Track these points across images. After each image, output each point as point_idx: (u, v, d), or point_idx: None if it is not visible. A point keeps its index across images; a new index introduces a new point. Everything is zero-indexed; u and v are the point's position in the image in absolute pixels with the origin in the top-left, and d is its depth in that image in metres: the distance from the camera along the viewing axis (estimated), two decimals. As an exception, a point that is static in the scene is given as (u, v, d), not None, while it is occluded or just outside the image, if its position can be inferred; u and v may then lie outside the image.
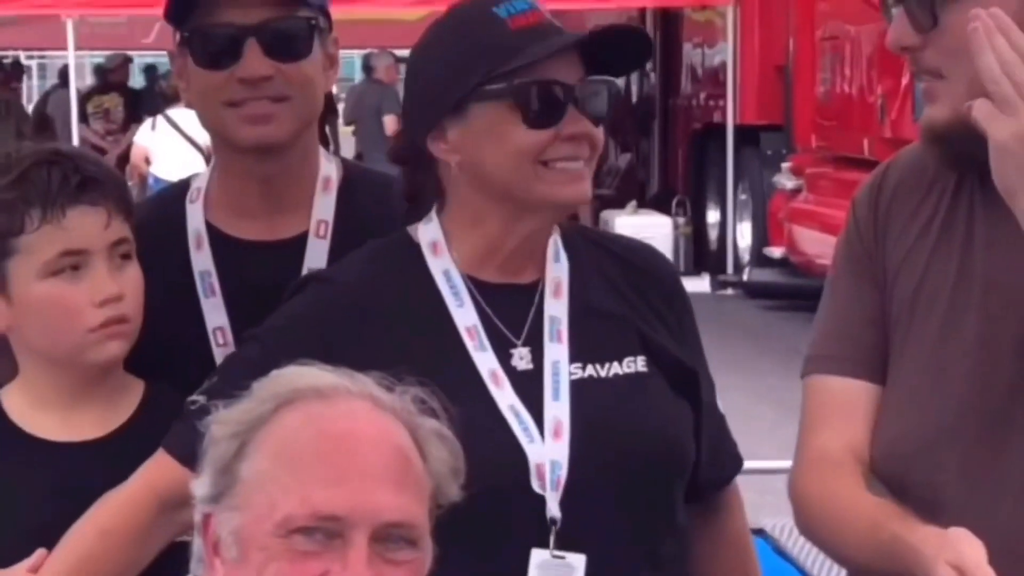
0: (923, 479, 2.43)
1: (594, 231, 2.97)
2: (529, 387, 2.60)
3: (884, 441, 2.47)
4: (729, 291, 16.95)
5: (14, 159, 2.73)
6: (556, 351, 2.63)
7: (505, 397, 2.58)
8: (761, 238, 16.54)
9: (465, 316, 2.63)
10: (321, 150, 2.99)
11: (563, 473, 2.56)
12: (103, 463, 2.64)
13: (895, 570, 2.31)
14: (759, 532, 4.42)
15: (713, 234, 18.32)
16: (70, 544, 2.59)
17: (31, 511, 2.68)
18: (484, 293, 2.65)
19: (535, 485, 2.55)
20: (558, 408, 2.59)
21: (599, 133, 2.64)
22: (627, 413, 2.64)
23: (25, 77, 29.61)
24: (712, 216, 18.37)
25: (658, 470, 2.65)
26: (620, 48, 2.68)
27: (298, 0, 2.83)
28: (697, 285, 17.31)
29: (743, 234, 17.37)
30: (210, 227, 2.93)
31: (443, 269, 2.65)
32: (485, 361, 2.61)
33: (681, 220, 18.37)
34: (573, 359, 2.64)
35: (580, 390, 2.62)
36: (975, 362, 2.40)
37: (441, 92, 2.63)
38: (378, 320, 2.63)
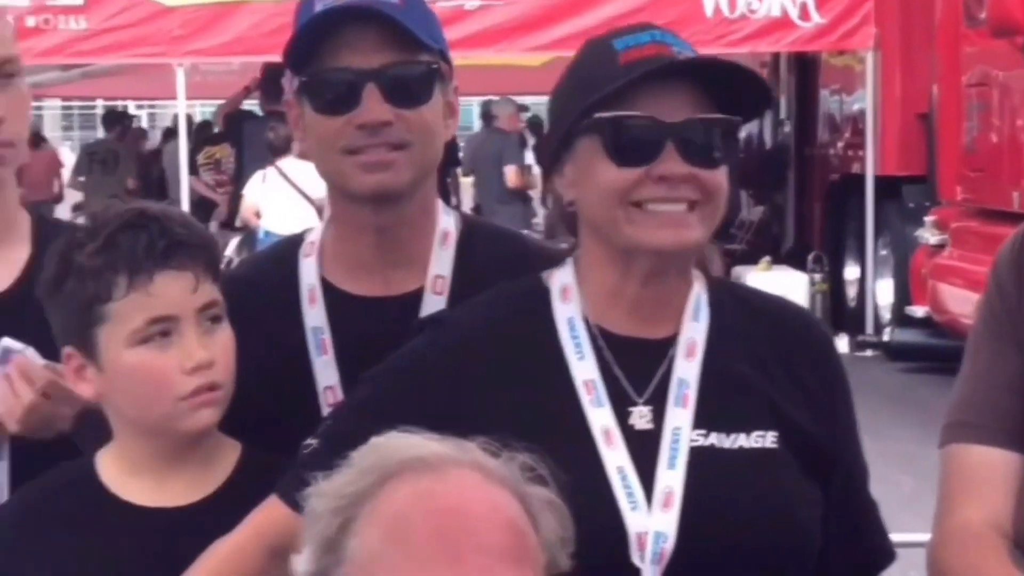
0: None
1: (745, 288, 2.92)
2: (644, 449, 2.57)
3: None
4: (868, 352, 16.78)
5: (100, 222, 2.75)
6: (679, 416, 2.60)
7: (615, 458, 2.56)
8: (903, 296, 16.38)
9: (584, 369, 2.62)
10: (440, 203, 3.00)
11: (668, 546, 2.52)
12: (195, 529, 2.66)
13: None
14: None
15: (851, 291, 18.17)
16: None
17: None
18: (611, 344, 2.63)
19: (634, 557, 2.51)
20: (672, 477, 2.56)
21: (708, 176, 2.58)
22: (747, 489, 2.59)
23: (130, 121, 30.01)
24: (850, 272, 18.23)
25: (774, 555, 2.60)
26: (736, 88, 2.62)
27: (419, 45, 2.84)
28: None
29: (883, 292, 17.21)
30: (324, 282, 2.94)
31: (568, 317, 2.65)
32: (599, 417, 2.59)
33: (817, 277, 18.25)
34: (697, 425, 2.61)
35: (699, 459, 2.58)
36: None
37: (555, 127, 2.66)
38: (492, 367, 2.63)
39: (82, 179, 23.40)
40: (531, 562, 2.11)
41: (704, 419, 2.61)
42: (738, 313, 2.72)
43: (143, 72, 23.37)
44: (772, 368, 2.68)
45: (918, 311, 15.60)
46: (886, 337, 16.34)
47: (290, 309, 2.94)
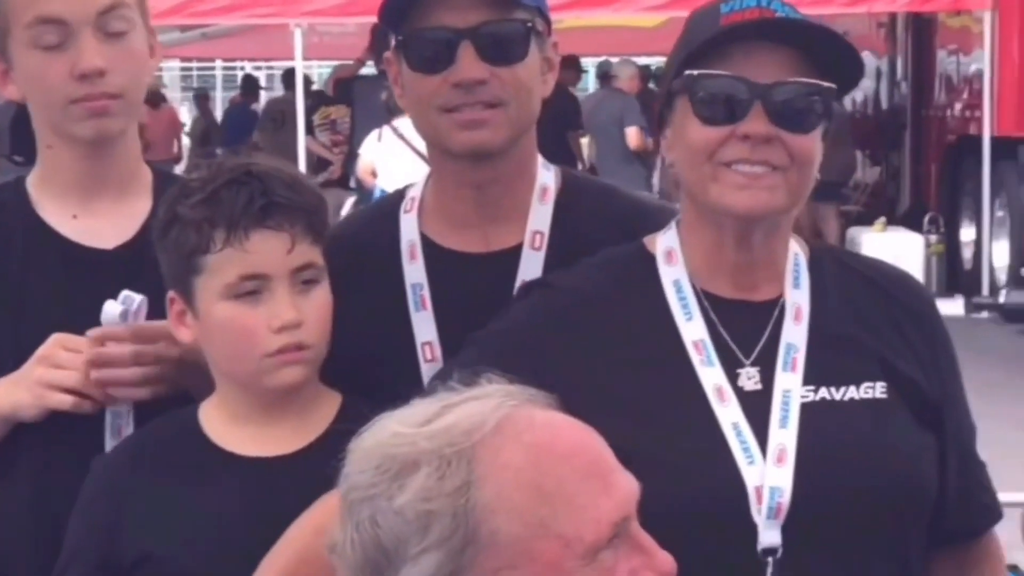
0: None
1: (847, 253, 2.91)
2: (755, 409, 2.57)
3: None
4: (984, 314, 16.63)
5: (209, 176, 2.79)
6: (789, 380, 2.60)
7: (729, 415, 2.56)
8: (1019, 258, 16.23)
9: (693, 330, 2.62)
10: (540, 158, 3.00)
11: (784, 500, 2.51)
12: (295, 478, 2.68)
13: None
14: (1013, 568, 4.32)
15: (967, 253, 17.99)
16: (287, 544, 2.63)
17: (224, 526, 2.74)
18: (716, 307, 2.63)
19: (754, 512, 2.51)
20: (785, 435, 2.55)
21: (795, 140, 2.57)
22: (861, 440, 2.58)
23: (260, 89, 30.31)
24: (966, 234, 18.05)
25: (891, 505, 2.59)
26: (836, 57, 2.61)
27: (514, 3, 2.84)
28: (950, 308, 17.03)
29: (1000, 253, 17.02)
30: (424, 238, 2.96)
31: (674, 279, 2.65)
32: (711, 376, 2.59)
33: (933, 238, 18.09)
34: (806, 382, 2.60)
35: (810, 413, 2.57)
36: None
37: (661, 88, 2.68)
38: (601, 330, 2.63)
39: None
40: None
41: (813, 377, 2.61)
42: (841, 277, 2.72)
43: (260, 32, 23.51)
44: (878, 326, 2.68)
45: (1035, 273, 15.47)
46: (1002, 299, 16.18)
47: (391, 264, 2.95)
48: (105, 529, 2.79)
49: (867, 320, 2.68)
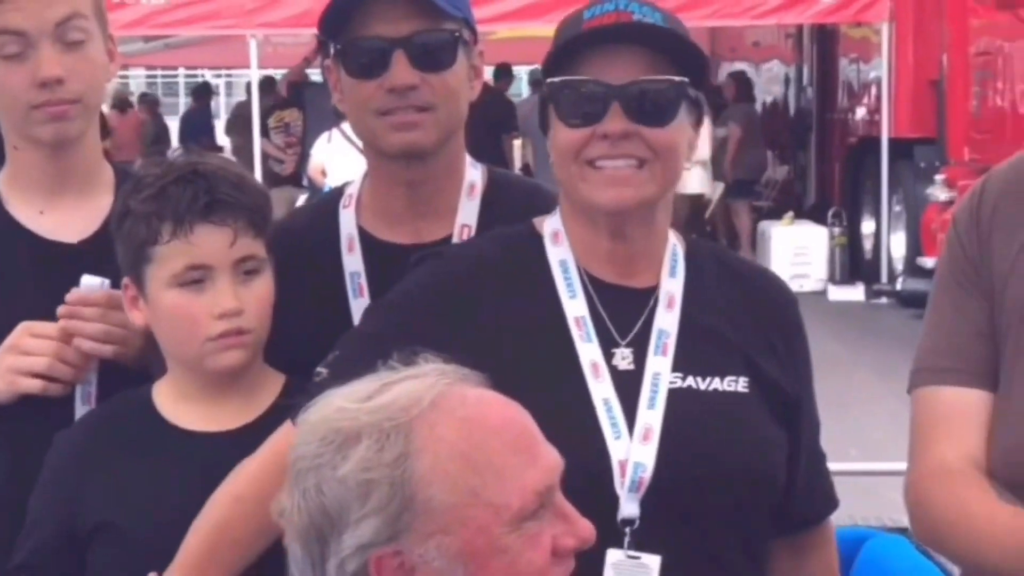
0: None
1: (724, 251, 2.90)
2: (626, 387, 2.56)
3: (1002, 448, 2.42)
4: (883, 300, 16.76)
5: (159, 172, 2.78)
6: (659, 363, 2.58)
7: (601, 391, 2.55)
8: (914, 248, 16.30)
9: (576, 307, 2.60)
10: (467, 158, 3.00)
11: (646, 476, 2.51)
12: (241, 451, 2.67)
13: None
14: (903, 531, 4.33)
15: (868, 244, 18.12)
16: (208, 512, 2.64)
17: (174, 497, 2.73)
18: (598, 289, 2.62)
19: (617, 485, 2.50)
20: (651, 416, 2.54)
21: (654, 134, 2.54)
22: (720, 428, 2.58)
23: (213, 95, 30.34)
24: (867, 227, 18.16)
25: (742, 489, 2.59)
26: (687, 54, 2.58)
27: (443, 14, 2.84)
28: (851, 294, 17.18)
29: (897, 244, 17.15)
30: (361, 231, 2.96)
31: (560, 259, 2.63)
32: (588, 352, 2.57)
33: (836, 231, 18.19)
34: (675, 369, 2.59)
35: (677, 399, 2.57)
36: None
37: (540, 97, 2.67)
38: (490, 297, 2.62)
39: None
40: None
41: (682, 364, 2.59)
42: (715, 272, 2.70)
43: (219, 43, 23.39)
44: (743, 322, 2.67)
45: (928, 262, 15.47)
46: (899, 286, 16.27)
47: (330, 255, 2.95)
48: (65, 500, 2.79)
49: (735, 317, 2.66)
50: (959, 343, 2.48)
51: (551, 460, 2.16)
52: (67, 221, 3.05)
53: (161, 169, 2.80)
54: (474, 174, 2.99)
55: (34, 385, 2.87)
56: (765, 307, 2.71)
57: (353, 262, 2.94)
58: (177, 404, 2.84)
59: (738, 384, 2.60)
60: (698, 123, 2.61)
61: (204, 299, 2.70)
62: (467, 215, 2.94)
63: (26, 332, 2.90)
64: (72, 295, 2.90)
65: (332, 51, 2.90)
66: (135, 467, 2.80)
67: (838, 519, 3.66)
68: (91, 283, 2.92)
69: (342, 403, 2.18)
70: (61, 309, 2.90)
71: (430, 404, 2.13)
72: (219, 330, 2.72)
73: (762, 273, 2.85)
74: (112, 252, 2.88)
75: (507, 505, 2.09)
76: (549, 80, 2.56)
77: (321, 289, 2.92)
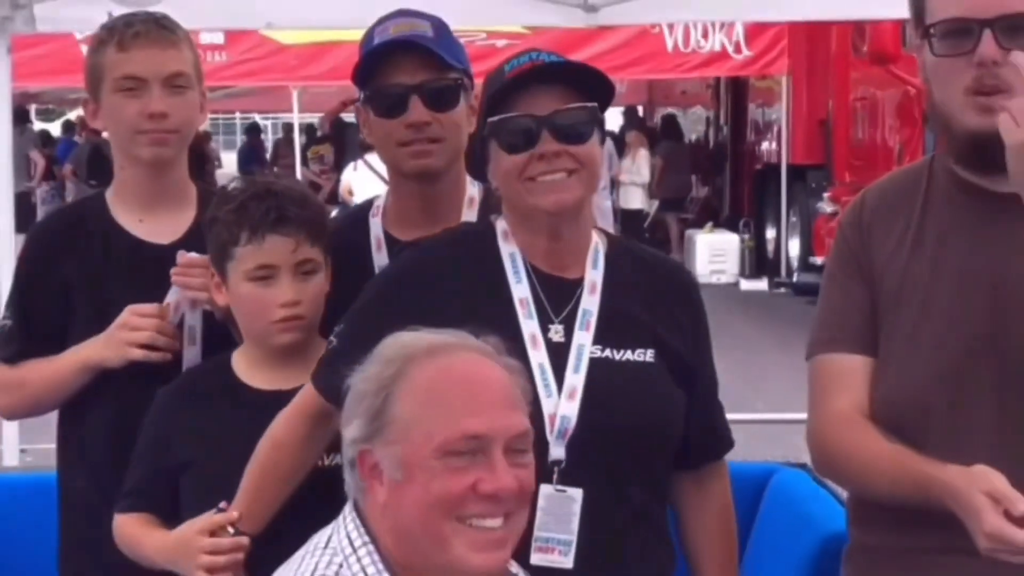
0: (913, 423, 2.37)
1: (638, 246, 2.82)
2: (557, 356, 2.52)
3: (880, 400, 2.41)
4: (782, 290, 16.71)
5: (241, 190, 2.79)
6: (583, 337, 2.54)
7: (537, 357, 2.50)
8: (807, 250, 16.29)
9: (520, 290, 2.55)
10: (467, 177, 2.95)
11: (570, 427, 2.47)
12: None
13: (926, 503, 2.24)
14: (802, 466, 4.32)
15: (771, 247, 18.07)
16: (255, 459, 2.64)
17: (242, 441, 2.71)
18: (538, 277, 2.57)
19: (548, 432, 2.45)
20: (576, 378, 2.50)
21: (579, 150, 2.48)
22: (630, 390, 2.53)
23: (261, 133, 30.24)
24: (770, 233, 18.12)
25: (647, 438, 2.55)
26: (597, 84, 2.53)
27: (448, 66, 2.83)
28: (758, 285, 17.17)
29: (793, 247, 17.12)
30: (386, 234, 2.94)
31: (510, 252, 2.58)
32: (529, 327, 2.52)
33: (746, 236, 18.21)
34: (595, 342, 2.54)
35: (596, 366, 2.52)
36: (945, 334, 2.35)
37: (477, 136, 2.61)
38: (454, 280, 2.57)
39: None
40: (521, 407, 2.12)
41: (601, 338, 2.54)
42: (630, 264, 2.65)
43: (268, 92, 23.27)
44: (654, 304, 2.61)
45: (818, 260, 15.49)
46: (795, 279, 16.27)
47: (363, 252, 2.93)
48: (161, 441, 2.79)
49: (647, 299, 2.61)
50: (846, 320, 2.46)
51: (503, 422, 2.07)
52: (160, 228, 3.03)
53: (244, 186, 2.81)
54: (473, 190, 2.96)
55: (139, 354, 2.88)
56: (672, 290, 2.66)
57: (380, 257, 2.92)
58: (250, 368, 2.83)
59: (646, 355, 2.56)
60: (603, 140, 2.57)
61: (270, 292, 2.70)
62: (467, 220, 2.91)
63: (133, 312, 2.90)
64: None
65: (362, 96, 2.89)
66: (214, 416, 2.79)
67: (751, 458, 3.64)
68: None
69: (389, 341, 2.18)
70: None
71: (426, 350, 2.11)
72: (280, 316, 2.72)
73: (669, 262, 2.81)
74: (195, 251, 2.90)
75: (435, 435, 2.04)
76: (489, 120, 2.51)
77: (358, 277, 2.85)
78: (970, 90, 2.28)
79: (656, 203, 20.14)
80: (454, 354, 2.13)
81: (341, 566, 2.07)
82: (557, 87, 2.49)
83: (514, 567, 2.24)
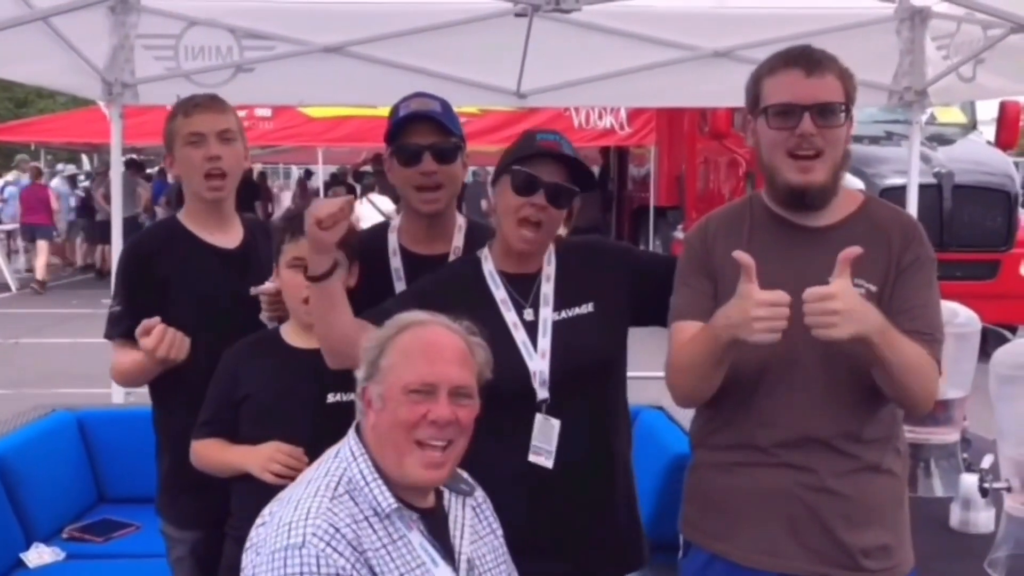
0: (749, 369, 2.34)
1: (574, 242, 2.78)
2: (532, 330, 2.51)
3: None
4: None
5: (290, 213, 2.81)
6: (546, 312, 2.54)
7: (520, 336, 2.51)
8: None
9: (500, 293, 2.56)
10: (456, 210, 2.95)
11: (546, 376, 2.48)
12: (323, 361, 2.57)
13: (718, 343, 2.17)
14: (660, 408, 4.33)
15: (643, 263, 18.07)
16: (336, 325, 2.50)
17: (288, 382, 2.68)
18: (509, 280, 2.57)
19: (534, 383, 2.47)
20: (545, 343, 2.50)
21: (555, 212, 2.50)
22: (577, 338, 2.52)
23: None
24: (642, 252, 18.13)
25: (596, 370, 2.54)
26: (583, 172, 2.56)
27: (450, 132, 2.80)
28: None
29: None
30: (400, 246, 2.90)
31: (489, 270, 2.59)
32: (510, 317, 2.53)
33: (626, 255, 18.16)
34: (554, 310, 2.54)
35: (556, 328, 2.52)
36: None
37: (496, 173, 2.60)
38: (458, 292, 2.55)
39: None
40: (469, 369, 2.11)
41: (559, 306, 2.55)
42: (574, 253, 2.65)
43: (301, 151, 22.97)
44: (593, 273, 2.60)
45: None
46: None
47: (384, 258, 2.89)
48: (228, 381, 2.74)
49: (587, 271, 2.60)
50: (693, 301, 2.41)
51: (450, 374, 2.05)
52: (224, 238, 3.03)
53: (292, 211, 2.81)
54: (461, 219, 2.94)
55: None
56: (595, 257, 2.66)
57: (396, 263, 2.88)
58: (293, 334, 2.80)
59: (587, 308, 2.55)
60: (577, 206, 2.61)
61: (302, 277, 2.61)
62: (457, 241, 2.90)
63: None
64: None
65: (388, 150, 2.85)
66: (267, 364, 2.75)
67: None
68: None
69: (401, 314, 2.17)
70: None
71: (411, 323, 2.11)
72: (305, 296, 2.65)
73: (596, 242, 2.78)
74: (253, 256, 2.92)
75: (402, 378, 2.04)
76: (513, 167, 2.50)
77: (378, 277, 2.86)
78: (790, 153, 2.28)
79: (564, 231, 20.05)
80: (428, 326, 2.12)
81: (346, 469, 2.05)
82: (560, 164, 2.52)
83: (467, 476, 2.22)
